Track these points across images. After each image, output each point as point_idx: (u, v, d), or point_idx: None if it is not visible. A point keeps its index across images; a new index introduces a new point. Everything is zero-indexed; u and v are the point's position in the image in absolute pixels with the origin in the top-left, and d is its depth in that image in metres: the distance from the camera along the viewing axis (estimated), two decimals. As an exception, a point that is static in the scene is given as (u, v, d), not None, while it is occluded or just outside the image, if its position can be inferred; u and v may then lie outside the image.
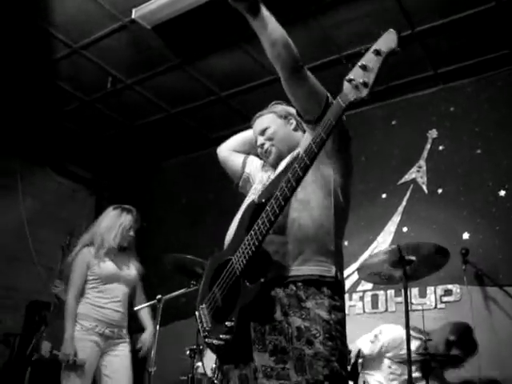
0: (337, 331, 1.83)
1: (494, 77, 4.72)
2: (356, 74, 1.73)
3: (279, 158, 2.29)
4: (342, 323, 1.89)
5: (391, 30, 1.72)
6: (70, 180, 6.74)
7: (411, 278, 3.37)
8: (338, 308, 1.89)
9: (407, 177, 4.83)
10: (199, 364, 3.71)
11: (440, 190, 4.65)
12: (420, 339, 3.63)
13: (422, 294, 4.43)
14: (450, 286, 4.36)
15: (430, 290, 4.42)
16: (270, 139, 2.33)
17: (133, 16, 4.26)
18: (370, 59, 1.71)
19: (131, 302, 4.12)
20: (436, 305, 4.38)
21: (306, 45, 4.56)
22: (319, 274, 1.90)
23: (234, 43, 4.61)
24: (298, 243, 1.92)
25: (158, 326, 3.69)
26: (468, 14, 4.19)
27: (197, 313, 2.08)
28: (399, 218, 4.75)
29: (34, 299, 5.52)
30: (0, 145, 5.85)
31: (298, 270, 1.90)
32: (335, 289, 1.92)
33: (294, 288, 1.87)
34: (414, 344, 3.55)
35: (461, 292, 4.29)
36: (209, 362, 3.44)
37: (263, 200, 1.94)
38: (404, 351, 3.20)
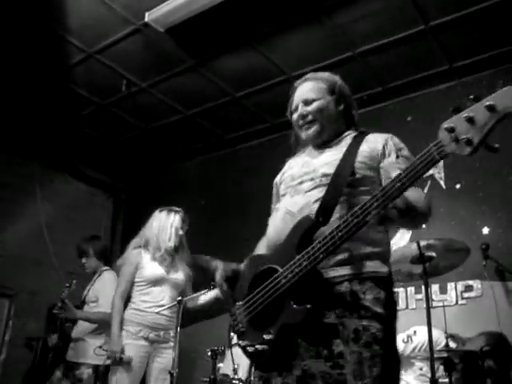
0: (391, 329, 1.88)
1: (509, 69, 4.66)
2: (459, 124, 1.51)
3: (320, 136, 2.21)
4: (395, 319, 1.93)
5: None
6: (87, 184, 6.79)
7: (431, 275, 3.35)
8: (393, 303, 1.94)
9: (424, 173, 4.79)
10: (221, 365, 3.73)
11: (458, 186, 4.61)
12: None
13: (443, 291, 4.39)
14: (470, 282, 4.31)
15: (450, 286, 4.37)
16: (315, 113, 2.20)
17: (146, 19, 4.29)
18: (480, 113, 1.47)
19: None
20: (457, 301, 4.34)
21: (319, 42, 4.57)
22: (373, 271, 1.91)
23: (247, 43, 4.62)
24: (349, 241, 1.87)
25: (178, 328, 3.70)
26: (481, 7, 4.14)
27: (233, 309, 2.06)
28: (418, 214, 4.70)
29: (55, 303, 5.57)
30: (18, 150, 5.92)
31: (352, 267, 1.91)
32: (389, 284, 1.95)
33: (350, 286, 1.88)
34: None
35: (482, 288, 4.24)
36: (229, 363, 3.45)
37: (321, 219, 1.90)
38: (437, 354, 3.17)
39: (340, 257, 1.90)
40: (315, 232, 1.88)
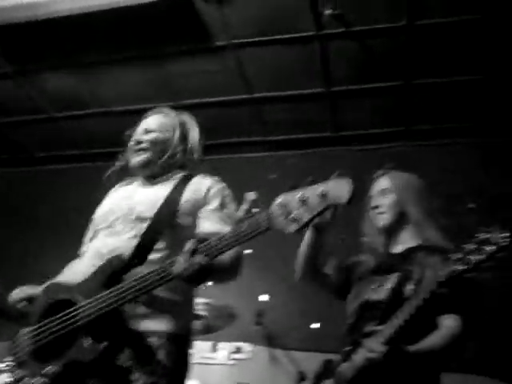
0: None
1: (315, 154, 5.07)
2: (292, 202, 1.57)
3: (147, 167, 2.18)
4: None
5: (348, 179, 1.51)
6: None
7: (201, 332, 3.43)
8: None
9: (220, 232, 4.94)
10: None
11: (249, 251, 4.80)
12: None
13: (214, 349, 4.49)
14: (241, 344, 4.48)
15: (222, 345, 4.49)
16: (150, 142, 2.19)
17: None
18: (312, 196, 1.54)
19: None
20: (226, 361, 4.46)
21: (144, 85, 4.59)
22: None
23: (74, 66, 4.49)
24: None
25: None
26: (301, 93, 4.53)
27: (17, 335, 1.92)
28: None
29: None
30: None
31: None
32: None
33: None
34: None
35: (252, 351, 4.43)
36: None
37: (136, 260, 1.86)
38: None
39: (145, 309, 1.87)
40: (126, 272, 1.82)
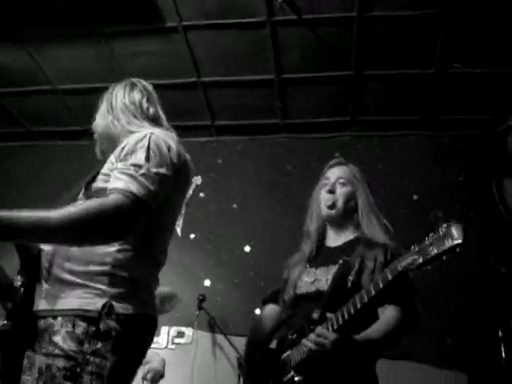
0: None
1: (263, 141, 5.09)
2: None
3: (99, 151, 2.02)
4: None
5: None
6: None
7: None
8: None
9: (164, 217, 4.90)
10: None
11: (192, 236, 4.80)
12: None
13: (156, 333, 4.46)
14: (183, 329, 4.48)
15: (164, 329, 4.48)
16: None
17: None
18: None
19: None
20: (167, 345, 4.46)
21: (94, 64, 4.47)
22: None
23: (16, 41, 4.29)
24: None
25: None
26: (251, 79, 4.50)
27: None
28: (148, 257, 4.76)
29: None
30: None
31: None
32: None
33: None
34: None
35: (193, 336, 4.44)
36: None
37: None
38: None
39: None
40: None
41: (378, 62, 4.27)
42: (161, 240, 1.82)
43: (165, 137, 1.80)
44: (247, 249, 4.67)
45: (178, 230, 4.79)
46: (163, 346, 4.45)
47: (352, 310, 1.94)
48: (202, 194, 4.95)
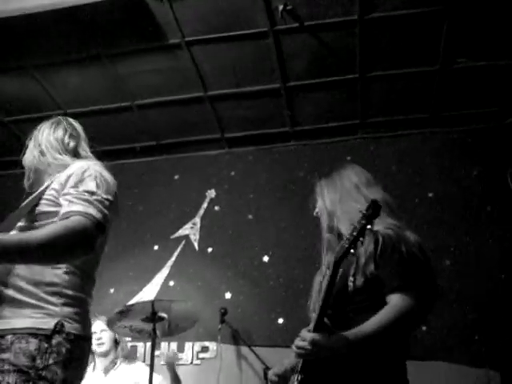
0: None
1: (273, 150, 5.10)
2: None
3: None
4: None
5: None
6: None
7: (164, 334, 3.39)
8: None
9: (181, 232, 4.93)
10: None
11: (210, 249, 4.81)
12: None
13: (180, 349, 4.48)
14: (207, 343, 4.48)
15: (188, 345, 4.49)
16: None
17: None
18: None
19: None
20: (192, 360, 4.46)
21: (99, 86, 4.51)
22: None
23: (23, 68, 4.35)
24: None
25: None
26: (257, 89, 4.52)
27: None
28: (168, 272, 4.79)
29: None
30: None
31: None
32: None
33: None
34: None
35: (217, 349, 4.43)
36: None
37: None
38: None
39: None
40: None
41: (383, 62, 4.27)
42: (97, 261, 1.98)
43: (101, 168, 2.00)
44: (265, 258, 4.67)
45: (196, 244, 4.81)
46: (188, 362, 4.44)
47: (318, 308, 1.92)
48: (216, 208, 4.96)
